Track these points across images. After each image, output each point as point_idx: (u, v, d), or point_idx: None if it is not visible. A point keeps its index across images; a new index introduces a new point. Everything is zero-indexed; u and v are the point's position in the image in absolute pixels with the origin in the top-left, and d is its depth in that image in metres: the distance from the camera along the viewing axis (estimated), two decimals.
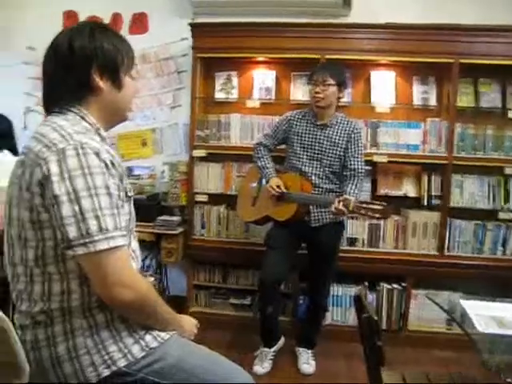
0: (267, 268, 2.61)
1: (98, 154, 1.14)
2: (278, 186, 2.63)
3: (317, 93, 2.56)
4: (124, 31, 3.36)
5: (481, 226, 3.10)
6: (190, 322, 1.45)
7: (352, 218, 3.07)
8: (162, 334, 1.31)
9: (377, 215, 2.28)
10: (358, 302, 1.68)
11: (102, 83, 1.25)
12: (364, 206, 2.31)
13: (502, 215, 3.06)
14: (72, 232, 1.10)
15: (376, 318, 1.49)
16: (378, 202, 2.31)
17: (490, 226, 3.09)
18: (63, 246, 1.12)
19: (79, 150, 1.12)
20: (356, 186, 2.56)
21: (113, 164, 1.18)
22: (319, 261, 2.73)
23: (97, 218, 1.10)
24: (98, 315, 1.21)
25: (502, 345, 1.71)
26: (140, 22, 3.42)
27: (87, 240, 1.10)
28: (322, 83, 2.55)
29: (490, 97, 3.12)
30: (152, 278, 2.52)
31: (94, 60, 1.23)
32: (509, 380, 1.45)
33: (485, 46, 2.90)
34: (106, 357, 1.20)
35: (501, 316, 1.84)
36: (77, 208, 1.09)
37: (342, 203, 2.34)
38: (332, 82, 2.55)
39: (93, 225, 1.10)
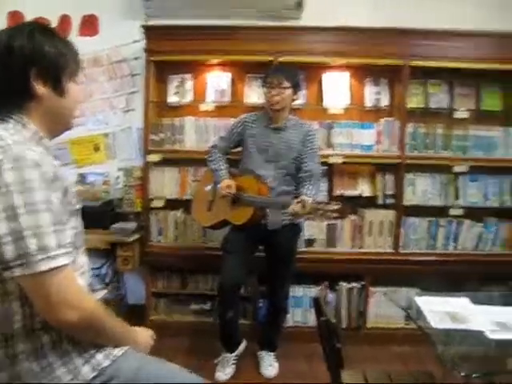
0: (225, 273, 2.59)
1: (38, 167, 1.06)
2: (229, 187, 2.60)
3: (272, 96, 2.55)
4: (73, 33, 3.26)
5: (433, 222, 3.17)
6: (145, 334, 1.39)
7: (309, 218, 3.02)
8: (115, 351, 1.25)
9: (334, 215, 2.28)
10: (317, 304, 1.69)
11: (42, 88, 1.17)
12: (321, 206, 2.31)
13: (452, 211, 3.15)
14: (10, 252, 1.02)
15: (334, 320, 1.50)
16: (335, 202, 2.31)
17: (442, 223, 3.17)
18: (1, 267, 1.05)
19: (17, 162, 1.04)
20: (313, 186, 2.55)
21: (56, 176, 1.10)
22: (277, 263, 2.73)
23: (36, 236, 1.03)
24: (43, 337, 1.14)
25: (456, 338, 1.77)
26: (90, 24, 3.31)
27: (27, 260, 1.02)
28: (278, 86, 2.53)
29: (439, 97, 3.21)
30: (105, 291, 2.44)
31: (33, 62, 1.16)
32: (463, 374, 1.50)
33: (433, 49, 2.98)
34: (55, 380, 1.13)
35: (454, 311, 1.91)
36: (14, 226, 1.02)
37: (299, 204, 2.33)
38: (287, 84, 2.54)
39: (32, 244, 1.02)
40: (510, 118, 3.23)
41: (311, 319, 3.12)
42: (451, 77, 3.18)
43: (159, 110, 3.29)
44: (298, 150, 2.61)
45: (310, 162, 2.61)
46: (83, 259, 1.27)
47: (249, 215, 2.57)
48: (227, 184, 2.61)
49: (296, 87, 2.61)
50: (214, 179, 2.72)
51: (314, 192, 2.55)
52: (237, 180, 2.66)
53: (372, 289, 3.17)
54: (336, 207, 2.28)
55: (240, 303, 2.84)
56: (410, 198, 3.15)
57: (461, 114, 3.12)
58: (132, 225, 3.15)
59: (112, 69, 3.34)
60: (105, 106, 3.37)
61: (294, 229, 2.73)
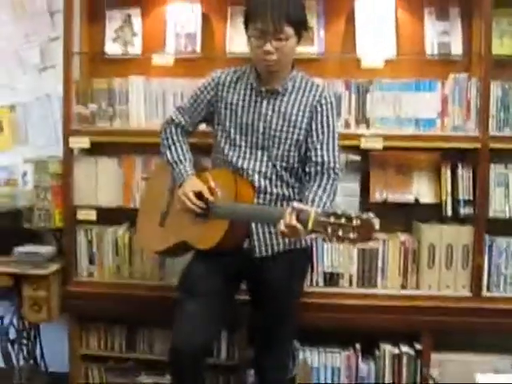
0: (181, 330, 2.45)
1: None
2: (200, 195, 2.46)
3: (268, 53, 2.38)
4: None
5: None
6: None
7: (328, 239, 2.89)
8: None
9: (351, 236, 2.08)
10: None
11: None
12: (332, 220, 2.11)
13: None
14: None
15: None
16: (354, 214, 2.10)
17: None
18: None
19: None
20: (325, 189, 2.42)
21: None
22: (270, 312, 2.60)
23: None
24: None
25: None
26: None
27: None
28: (276, 36, 2.35)
29: None
30: None
31: None
32: None
33: None
34: None
35: None
36: None
37: (294, 216, 2.17)
38: (291, 31, 2.37)
39: None
40: None
41: None
42: None
43: (90, 66, 3.30)
44: (303, 127, 2.50)
45: (322, 148, 2.49)
46: None
47: (219, 234, 2.42)
48: (194, 189, 2.48)
49: (302, 29, 2.45)
50: (173, 177, 2.62)
51: (326, 199, 2.41)
52: (205, 177, 2.54)
53: (435, 356, 3.05)
54: (354, 223, 2.08)
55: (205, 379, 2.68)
56: (500, 208, 3.06)
57: None
58: (48, 249, 3.12)
59: (19, 2, 3.32)
60: (9, 61, 3.36)
61: (299, 256, 2.61)
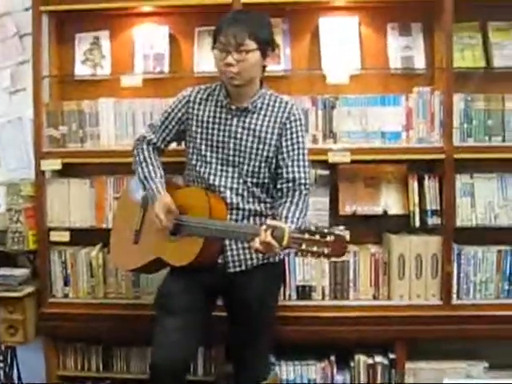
0: (161, 346, 2.48)
1: None
2: (170, 211, 2.48)
3: (229, 65, 2.44)
4: None
5: (507, 253, 3.08)
6: None
7: (302, 254, 2.91)
8: None
9: (325, 251, 2.14)
10: None
11: None
12: (306, 237, 2.17)
13: None
14: None
15: None
16: (327, 230, 2.17)
17: None
18: None
19: None
20: (297, 205, 2.47)
21: None
22: (245, 327, 2.62)
23: None
24: None
25: None
26: None
27: None
28: (237, 49, 2.41)
29: (509, 50, 3.12)
30: None
31: None
32: None
33: None
34: None
35: None
36: None
37: (269, 233, 2.21)
38: (253, 45, 2.42)
39: None
40: None
41: None
42: None
43: (60, 88, 3.29)
44: (273, 144, 2.53)
45: (292, 164, 2.53)
46: None
47: (195, 251, 2.44)
48: (165, 207, 2.49)
49: (267, 47, 2.49)
50: (144, 194, 2.64)
51: (299, 214, 2.45)
52: (176, 194, 2.56)
53: (409, 365, 3.06)
54: (328, 239, 2.15)
55: None
56: (467, 217, 3.06)
57: None
58: (22, 271, 3.10)
59: None
60: None
61: (272, 270, 2.63)
